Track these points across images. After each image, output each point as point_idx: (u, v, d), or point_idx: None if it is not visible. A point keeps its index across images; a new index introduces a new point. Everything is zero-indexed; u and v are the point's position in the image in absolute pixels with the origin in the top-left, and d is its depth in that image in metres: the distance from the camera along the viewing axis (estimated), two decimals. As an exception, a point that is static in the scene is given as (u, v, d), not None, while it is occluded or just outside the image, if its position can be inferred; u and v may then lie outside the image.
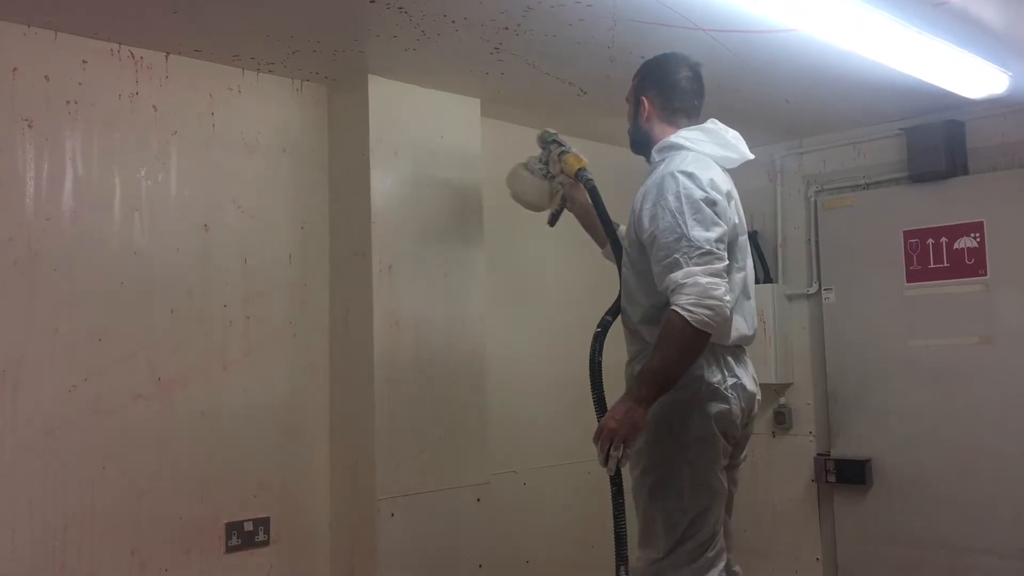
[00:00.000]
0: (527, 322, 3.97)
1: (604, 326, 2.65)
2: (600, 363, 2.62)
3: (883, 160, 4.23)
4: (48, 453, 2.67)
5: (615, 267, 3.03)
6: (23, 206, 2.68)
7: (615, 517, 2.51)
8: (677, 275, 2.31)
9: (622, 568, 2.48)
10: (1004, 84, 3.47)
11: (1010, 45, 3.17)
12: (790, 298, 4.45)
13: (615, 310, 2.68)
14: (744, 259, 2.56)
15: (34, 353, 2.66)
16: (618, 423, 2.33)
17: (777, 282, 4.45)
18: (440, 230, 3.42)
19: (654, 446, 2.47)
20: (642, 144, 2.68)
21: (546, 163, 3.06)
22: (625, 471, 2.50)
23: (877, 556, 4.17)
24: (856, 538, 4.25)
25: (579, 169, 2.89)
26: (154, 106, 2.96)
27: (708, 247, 2.33)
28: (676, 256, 2.33)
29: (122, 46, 2.90)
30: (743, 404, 2.52)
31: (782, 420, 4.41)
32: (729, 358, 2.51)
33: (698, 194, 2.38)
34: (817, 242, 4.41)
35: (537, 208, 3.18)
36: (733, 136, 2.61)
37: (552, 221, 3.16)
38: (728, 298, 2.33)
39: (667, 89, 2.62)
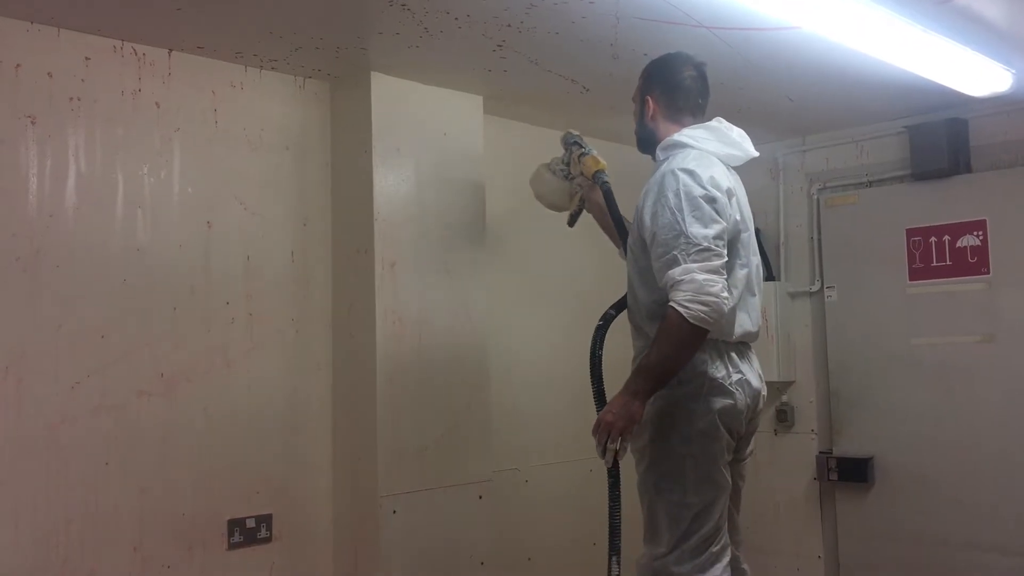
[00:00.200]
0: (529, 319, 3.96)
1: (606, 319, 2.71)
2: (600, 356, 2.66)
3: (886, 158, 4.23)
4: (51, 449, 2.67)
5: (620, 263, 3.04)
6: (26, 203, 2.68)
7: (610, 509, 2.56)
8: (675, 272, 2.34)
9: (614, 559, 2.51)
10: (1007, 82, 3.46)
11: (1013, 43, 3.16)
12: (792, 296, 4.45)
13: (619, 305, 2.72)
14: (748, 256, 2.57)
15: (37, 350, 2.67)
16: (615, 416, 2.37)
17: (779, 280, 4.45)
18: (443, 227, 3.42)
19: (658, 441, 2.50)
20: (648, 143, 2.71)
21: (567, 164, 3.11)
22: (629, 467, 2.51)
23: (879, 554, 4.17)
24: (858, 536, 4.25)
25: (596, 171, 2.95)
26: (157, 103, 2.96)
27: (706, 244, 2.35)
28: (674, 253, 2.36)
29: (125, 43, 2.90)
30: (748, 400, 2.54)
31: (784, 418, 4.41)
32: (733, 354, 2.53)
33: (697, 191, 2.40)
34: (819, 240, 4.40)
35: (558, 208, 3.24)
36: (738, 134, 2.64)
37: (571, 222, 3.21)
38: (725, 294, 2.35)
39: (672, 88, 2.65)
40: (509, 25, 2.84)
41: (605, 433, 2.39)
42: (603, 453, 2.43)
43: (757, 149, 2.68)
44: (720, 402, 2.48)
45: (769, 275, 4.45)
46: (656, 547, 2.51)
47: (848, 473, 4.22)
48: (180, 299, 2.97)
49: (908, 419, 4.10)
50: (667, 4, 2.69)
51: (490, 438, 3.53)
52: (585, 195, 3.09)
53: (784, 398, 4.42)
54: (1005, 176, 3.89)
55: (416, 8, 2.69)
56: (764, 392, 2.64)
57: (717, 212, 2.41)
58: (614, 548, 2.52)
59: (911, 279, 4.11)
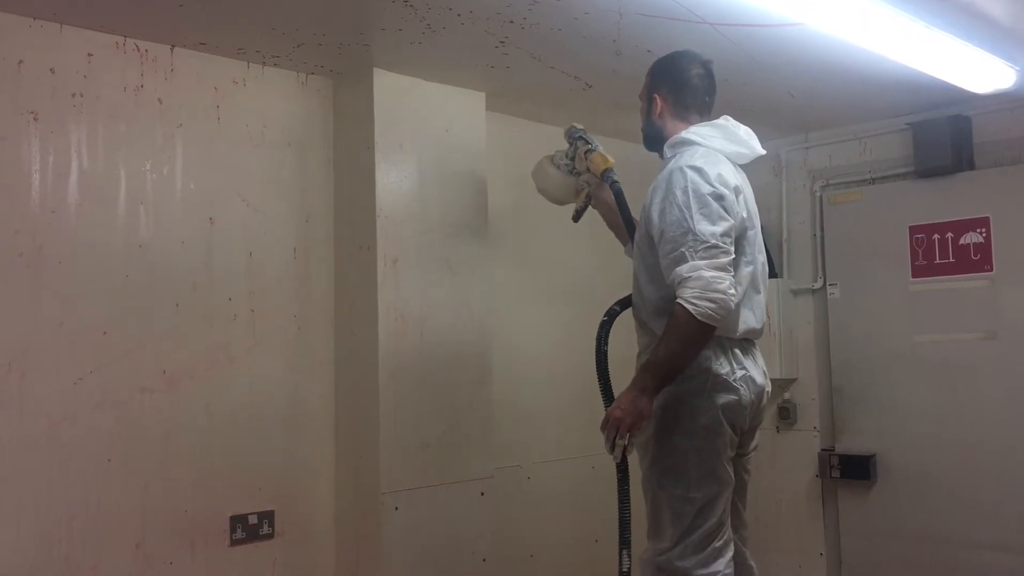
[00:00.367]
0: (532, 316, 3.96)
1: (611, 315, 2.72)
2: (606, 352, 2.67)
3: (889, 155, 4.22)
4: (53, 446, 2.68)
5: (627, 261, 3.04)
6: (28, 199, 2.68)
7: (620, 503, 2.55)
8: (682, 268, 2.35)
9: (624, 552, 2.51)
10: (1011, 79, 3.46)
11: (1017, 39, 3.15)
12: (795, 293, 4.44)
13: (624, 302, 2.73)
14: (753, 253, 2.58)
15: (40, 346, 2.67)
16: (623, 412, 2.39)
17: (782, 277, 4.44)
18: (445, 224, 3.42)
19: (662, 436, 2.51)
20: (655, 140, 2.72)
21: (572, 159, 3.09)
22: (634, 463, 2.51)
23: (881, 551, 4.17)
24: (860, 533, 4.25)
25: (605, 169, 2.94)
26: (159, 99, 2.96)
27: (714, 241, 2.36)
28: (682, 250, 2.37)
29: (127, 39, 2.90)
30: (752, 396, 2.55)
31: (787, 415, 4.40)
32: (737, 350, 2.54)
33: (705, 188, 2.41)
34: (822, 237, 4.40)
35: (560, 202, 3.23)
36: (745, 132, 2.65)
37: (576, 217, 3.20)
38: (732, 291, 2.36)
39: (679, 86, 2.66)
40: (512, 21, 2.83)
41: (614, 429, 2.41)
42: (612, 449, 2.44)
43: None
44: (724, 398, 2.49)
45: (772, 272, 4.44)
46: (660, 542, 2.53)
47: (850, 470, 4.22)
48: (182, 296, 2.97)
49: (911, 416, 4.09)
50: (670, 0, 2.69)
51: (492, 435, 3.53)
52: (593, 192, 3.09)
53: (786, 395, 4.41)
54: (1008, 173, 3.88)
55: (419, 4, 2.69)
56: (768, 388, 2.65)
57: (725, 209, 2.42)
58: (624, 542, 2.53)
59: (914, 276, 4.10)
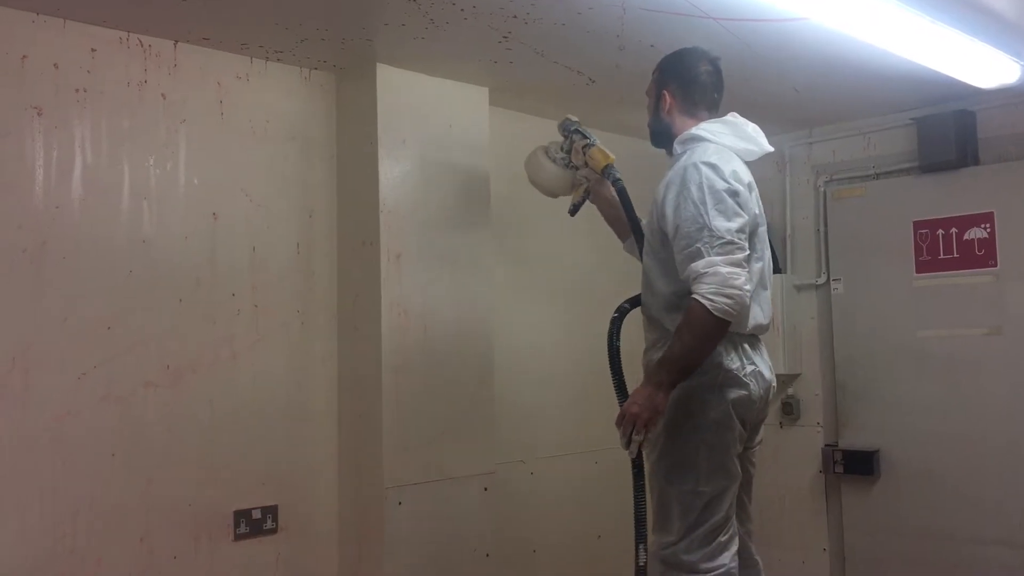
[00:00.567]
0: (535, 311, 3.96)
1: (621, 312, 2.73)
2: (618, 347, 2.68)
3: (893, 150, 4.21)
4: (57, 440, 2.68)
5: (629, 257, 3.05)
6: (32, 194, 2.69)
7: (635, 499, 2.55)
8: (698, 264, 2.36)
9: (641, 547, 2.51)
10: (1016, 74, 3.45)
11: (1022, 34, 3.14)
12: (799, 288, 4.44)
13: (635, 299, 2.73)
14: (763, 250, 2.60)
15: (43, 341, 2.67)
16: (640, 407, 2.39)
17: (786, 272, 4.44)
18: (448, 219, 3.42)
19: (672, 430, 2.51)
20: (663, 136, 2.73)
21: (568, 152, 3.06)
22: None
23: (884, 547, 4.17)
24: (863, 529, 4.25)
25: (607, 165, 2.92)
26: (163, 94, 2.96)
27: (729, 237, 2.38)
28: (698, 246, 2.38)
29: (131, 34, 2.90)
30: (760, 391, 2.57)
31: (790, 411, 4.40)
32: (746, 345, 2.56)
33: (720, 185, 2.43)
34: (826, 232, 4.39)
35: (553, 195, 3.21)
36: (753, 129, 2.66)
37: (573, 211, 3.18)
38: (748, 287, 2.38)
39: (688, 83, 2.67)
40: (515, 16, 2.83)
41: (630, 424, 2.41)
42: (627, 444, 2.44)
43: (763, 141, 2.70)
44: (735, 393, 2.51)
45: (776, 268, 4.44)
46: (666, 535, 2.54)
47: (854, 466, 4.22)
48: (186, 291, 2.97)
49: (914, 412, 4.09)
50: (674, -5, 2.69)
51: (495, 430, 3.53)
52: (592, 188, 3.07)
53: (790, 391, 4.41)
54: (1013, 169, 3.87)
55: (422, -1, 2.69)
56: (774, 383, 2.67)
57: (739, 205, 2.44)
58: (640, 537, 2.52)
59: (918, 272, 4.10)
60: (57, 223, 2.72)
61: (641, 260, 2.82)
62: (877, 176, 4.26)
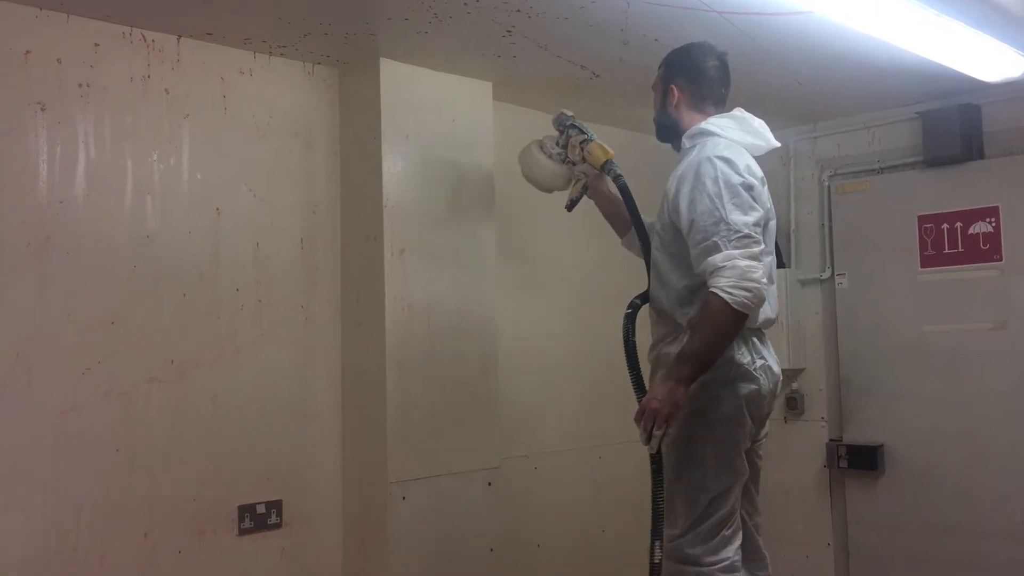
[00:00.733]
0: (539, 306, 3.96)
1: (634, 308, 2.71)
2: (634, 343, 2.66)
3: (898, 144, 4.20)
4: (62, 435, 2.68)
5: (628, 252, 3.04)
6: (36, 190, 2.69)
7: (653, 495, 2.52)
8: (716, 258, 2.37)
9: (657, 544, 2.50)
10: (1021, 67, 3.44)
11: (1028, 27, 3.13)
12: (803, 283, 4.43)
13: (645, 295, 2.72)
14: (771, 244, 2.61)
15: (47, 337, 2.67)
16: (660, 403, 2.39)
17: (790, 267, 4.43)
18: (452, 214, 3.42)
19: (682, 424, 2.50)
20: (670, 131, 2.73)
21: (564, 147, 3.05)
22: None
23: (889, 542, 4.16)
24: (868, 524, 4.25)
25: (606, 161, 2.90)
26: (166, 89, 2.96)
27: (746, 231, 2.39)
28: (715, 239, 2.38)
29: (134, 29, 2.89)
30: (770, 385, 2.59)
31: (794, 405, 4.40)
32: (755, 340, 2.58)
33: (735, 179, 2.44)
34: (830, 227, 4.38)
35: (548, 191, 3.19)
36: (760, 124, 2.67)
37: (570, 207, 3.16)
38: (765, 281, 2.40)
39: (696, 78, 2.68)
40: (518, 10, 2.82)
41: (651, 420, 2.40)
42: (648, 440, 2.43)
43: (767, 135, 2.70)
44: (746, 388, 2.52)
45: (780, 262, 4.44)
46: (670, 528, 2.54)
47: (858, 461, 4.21)
48: (189, 286, 2.97)
49: (919, 407, 4.08)
50: (678, -12, 2.68)
51: (499, 425, 3.53)
52: (590, 183, 3.06)
53: (794, 386, 4.41)
54: (1018, 163, 3.86)
55: (425, -7, 2.68)
56: (781, 377, 2.68)
57: (754, 199, 2.45)
58: (657, 533, 2.51)
59: (923, 266, 4.09)
60: (61, 218, 2.72)
61: (641, 255, 2.82)
62: (882, 170, 4.25)
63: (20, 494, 2.61)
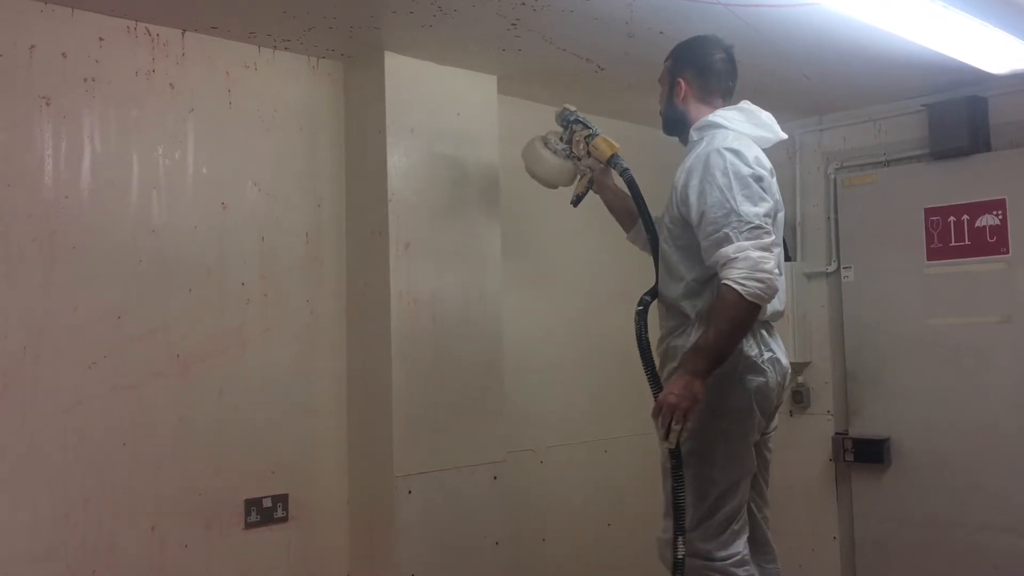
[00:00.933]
0: (544, 300, 3.96)
1: (644, 304, 2.69)
2: (647, 340, 2.64)
3: (904, 137, 4.18)
4: (68, 429, 2.69)
5: (632, 246, 3.04)
6: (41, 184, 2.69)
7: (674, 490, 2.50)
8: (728, 249, 2.37)
9: (680, 539, 2.48)
10: (1029, 59, 3.42)
11: (1035, 19, 3.12)
12: (809, 276, 4.42)
13: (654, 291, 2.72)
14: (780, 236, 2.60)
15: (54, 330, 2.68)
16: (678, 397, 2.38)
17: (796, 260, 4.42)
18: (457, 208, 3.41)
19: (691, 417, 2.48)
20: (677, 124, 2.74)
21: (568, 143, 3.04)
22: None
23: (895, 535, 4.16)
24: (874, 517, 4.24)
25: (612, 155, 2.90)
26: (171, 84, 2.96)
27: (757, 222, 2.39)
28: (726, 231, 2.38)
29: (138, 23, 2.89)
30: (778, 378, 2.59)
31: (800, 399, 4.39)
32: (763, 332, 2.58)
33: (745, 170, 2.44)
34: (836, 220, 4.37)
35: (553, 187, 3.19)
36: (767, 117, 2.67)
37: (576, 202, 3.17)
38: (777, 272, 2.40)
39: (703, 70, 2.68)
40: (523, 3, 2.81)
41: (669, 414, 2.39)
42: (666, 435, 2.41)
43: (775, 129, 2.69)
44: (754, 381, 2.52)
45: (786, 255, 4.42)
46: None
47: (864, 454, 4.21)
48: (195, 280, 2.97)
49: (925, 400, 4.08)
50: (683, -19, 2.68)
51: (504, 419, 3.53)
52: (596, 178, 3.06)
53: (800, 379, 4.40)
54: (1025, 155, 3.85)
55: (429, -14, 2.68)
56: (789, 369, 2.68)
57: (763, 191, 2.45)
58: (680, 529, 2.49)
59: (929, 259, 4.08)
60: (66, 213, 2.72)
61: (646, 250, 2.82)
62: (888, 163, 4.24)
63: (28, 487, 2.62)
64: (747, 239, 2.36)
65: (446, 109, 3.41)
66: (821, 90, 3.95)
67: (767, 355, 2.55)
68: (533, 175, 3.17)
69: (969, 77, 3.70)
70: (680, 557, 2.47)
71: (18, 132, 2.66)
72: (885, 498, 4.20)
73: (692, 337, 2.52)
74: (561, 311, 4.01)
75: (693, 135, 2.65)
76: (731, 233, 2.37)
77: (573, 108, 3.07)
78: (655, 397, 2.50)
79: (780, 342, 2.66)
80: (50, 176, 2.70)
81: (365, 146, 3.30)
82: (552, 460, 3.92)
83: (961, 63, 3.44)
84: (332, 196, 3.34)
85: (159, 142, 2.93)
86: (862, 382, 4.28)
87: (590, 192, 3.11)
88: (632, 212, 2.88)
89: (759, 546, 2.67)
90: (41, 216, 2.68)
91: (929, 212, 4.08)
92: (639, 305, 2.69)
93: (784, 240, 4.39)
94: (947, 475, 4.00)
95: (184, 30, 2.99)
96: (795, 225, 4.45)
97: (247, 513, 3.04)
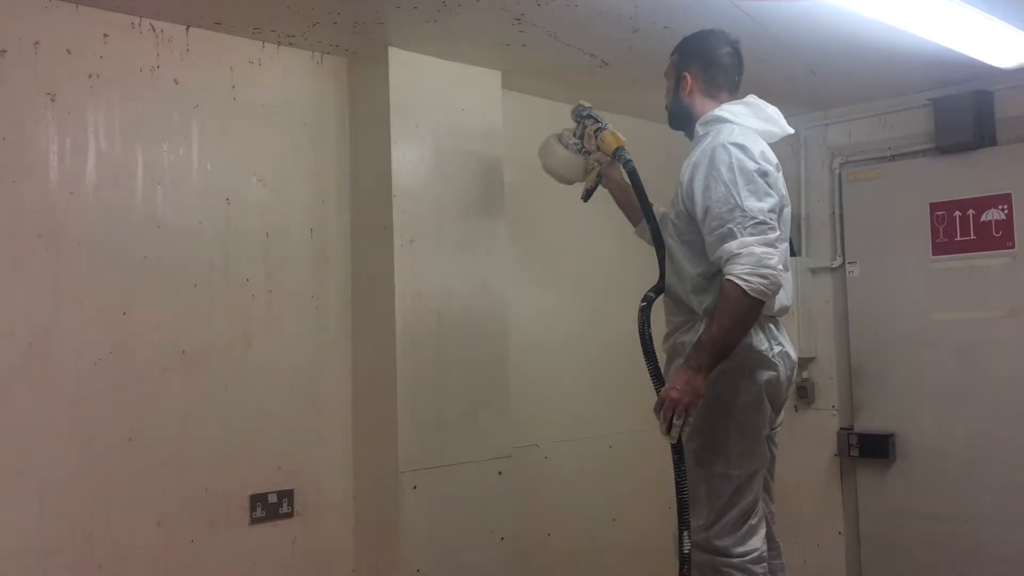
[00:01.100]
0: (548, 296, 3.95)
1: (648, 300, 2.69)
2: (651, 335, 2.64)
3: (910, 131, 4.18)
4: (74, 425, 2.70)
5: (638, 240, 3.04)
6: (47, 180, 2.69)
7: (677, 485, 2.50)
8: (732, 245, 2.36)
9: (685, 533, 2.48)
10: (1034, 53, 3.41)
11: (1041, 12, 3.11)
12: (814, 271, 4.41)
13: (658, 287, 2.71)
14: (786, 232, 2.60)
15: (60, 326, 2.68)
16: (680, 392, 2.38)
17: (801, 255, 4.41)
18: (461, 203, 3.41)
19: (701, 413, 2.49)
20: (683, 118, 2.73)
21: (580, 138, 3.06)
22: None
23: (900, 530, 4.16)
24: (879, 512, 4.24)
25: (618, 148, 2.90)
26: (175, 79, 2.96)
27: (762, 217, 2.38)
28: (730, 226, 2.38)
29: (143, 19, 2.89)
30: (787, 372, 2.59)
31: (805, 394, 4.39)
32: (772, 326, 2.58)
33: (750, 165, 2.43)
34: (841, 215, 4.36)
35: (568, 182, 3.21)
36: (774, 111, 2.66)
37: (586, 197, 3.18)
38: (781, 267, 2.39)
39: (709, 65, 2.67)
40: (527, -2, 2.81)
41: (671, 409, 2.39)
42: (668, 430, 2.41)
43: (780, 123, 2.69)
44: (765, 375, 2.51)
45: (791, 250, 4.42)
46: (696, 519, 2.53)
47: (869, 449, 4.21)
48: (200, 276, 2.97)
49: (930, 395, 4.07)
50: (688, -25, 2.67)
51: (509, 414, 3.53)
52: (603, 171, 3.07)
53: (805, 374, 4.40)
54: (1031, 149, 3.84)
55: (434, -19, 2.67)
56: (797, 363, 2.68)
57: (769, 186, 2.44)
58: (684, 523, 2.49)
59: (934, 254, 4.07)
60: (72, 208, 2.73)
61: (652, 244, 2.81)
62: (893, 158, 4.23)
63: (34, 482, 2.62)
64: (751, 235, 2.35)
65: (450, 105, 3.40)
66: (826, 85, 3.94)
67: (777, 349, 2.55)
68: (549, 171, 3.19)
69: (975, 71, 3.69)
70: (686, 551, 2.47)
71: (24, 128, 2.66)
72: (890, 493, 4.19)
73: (699, 333, 2.51)
74: (566, 306, 4.01)
75: (699, 129, 2.65)
76: (735, 228, 2.37)
77: (587, 104, 3.09)
78: (657, 392, 2.50)
79: (787, 336, 2.66)
80: (55, 172, 2.71)
81: (369, 141, 3.30)
82: (557, 456, 3.92)
83: (967, 57, 3.43)
84: (337, 192, 3.34)
85: (164, 138, 2.93)
86: (867, 377, 4.28)
87: (600, 187, 3.12)
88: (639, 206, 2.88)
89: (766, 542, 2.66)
90: (47, 212, 2.68)
91: (934, 207, 4.07)
92: (643, 301, 2.69)
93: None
94: (952, 470, 3.99)
95: (188, 26, 2.99)
96: (800, 220, 4.45)
97: (252, 508, 3.05)
